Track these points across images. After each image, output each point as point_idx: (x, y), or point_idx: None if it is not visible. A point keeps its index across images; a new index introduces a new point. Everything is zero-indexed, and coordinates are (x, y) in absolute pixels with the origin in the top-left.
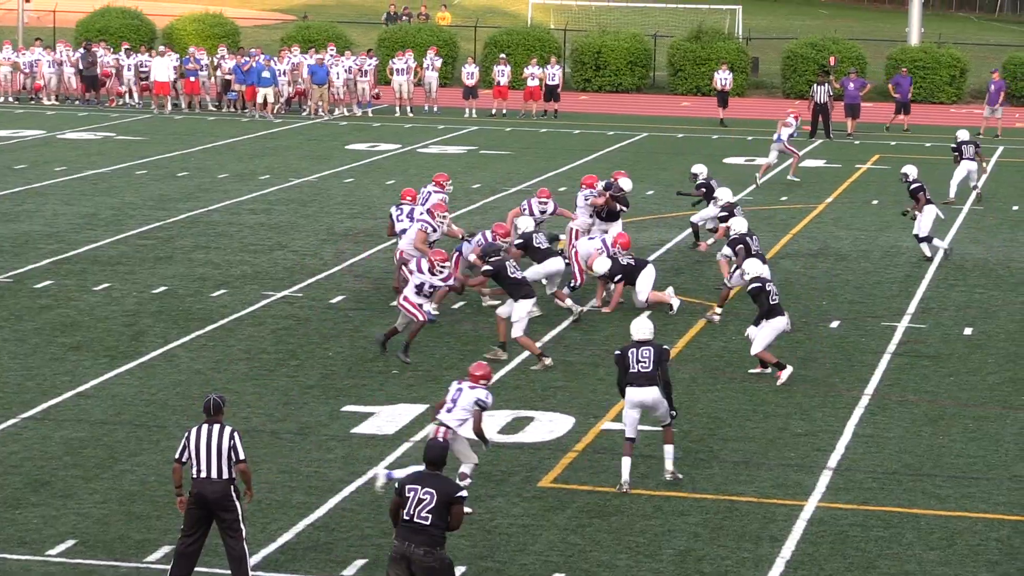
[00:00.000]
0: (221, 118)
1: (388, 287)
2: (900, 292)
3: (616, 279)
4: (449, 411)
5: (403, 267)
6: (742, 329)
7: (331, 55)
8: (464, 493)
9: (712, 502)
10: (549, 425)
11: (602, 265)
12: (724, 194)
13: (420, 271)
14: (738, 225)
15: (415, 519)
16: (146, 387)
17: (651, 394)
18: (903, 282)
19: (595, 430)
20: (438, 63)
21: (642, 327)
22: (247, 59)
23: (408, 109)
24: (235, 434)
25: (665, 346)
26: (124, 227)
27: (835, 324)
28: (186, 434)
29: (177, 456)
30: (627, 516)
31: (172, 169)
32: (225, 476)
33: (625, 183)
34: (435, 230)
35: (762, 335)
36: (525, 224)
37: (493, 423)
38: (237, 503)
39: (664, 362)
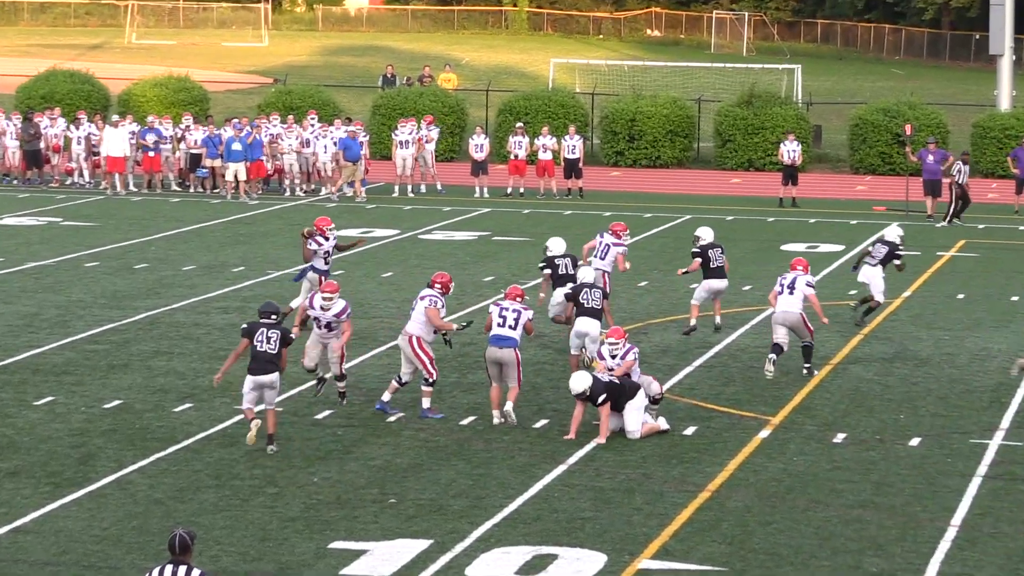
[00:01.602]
0: (186, 199)
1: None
2: (992, 403)
3: (600, 401)
4: None
5: None
6: (804, 448)
7: (314, 126)
8: None
9: None
10: (576, 564)
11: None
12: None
13: None
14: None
15: None
16: (96, 520)
17: None
18: (995, 391)
19: (631, 570)
20: (434, 134)
21: None
22: (249, 130)
23: (409, 188)
24: None
25: None
26: (71, 330)
27: (915, 442)
28: None
29: None
30: None
31: (128, 260)
32: None
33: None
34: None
35: None
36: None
37: (509, 561)
38: None
39: None
